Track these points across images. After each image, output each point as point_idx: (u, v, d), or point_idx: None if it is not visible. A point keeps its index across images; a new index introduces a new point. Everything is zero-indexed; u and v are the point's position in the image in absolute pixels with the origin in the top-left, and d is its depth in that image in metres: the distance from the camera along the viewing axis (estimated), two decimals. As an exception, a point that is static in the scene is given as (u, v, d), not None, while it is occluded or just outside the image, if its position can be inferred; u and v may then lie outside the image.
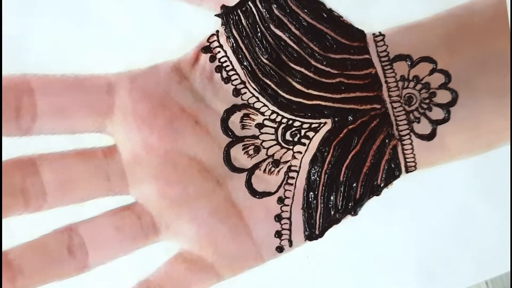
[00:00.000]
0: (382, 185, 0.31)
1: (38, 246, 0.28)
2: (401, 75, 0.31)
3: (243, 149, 0.30)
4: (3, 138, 0.27)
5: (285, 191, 0.30)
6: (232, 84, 0.30)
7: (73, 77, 0.28)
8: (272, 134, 0.30)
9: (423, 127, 0.31)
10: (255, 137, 0.30)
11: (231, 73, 0.29)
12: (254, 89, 0.30)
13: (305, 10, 0.29)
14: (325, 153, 0.30)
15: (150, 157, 0.29)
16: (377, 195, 0.31)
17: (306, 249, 0.31)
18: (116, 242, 0.29)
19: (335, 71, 0.30)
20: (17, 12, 0.27)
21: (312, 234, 0.31)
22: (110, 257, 0.29)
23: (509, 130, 0.31)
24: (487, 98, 0.31)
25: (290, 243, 0.31)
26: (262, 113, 0.30)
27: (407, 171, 0.31)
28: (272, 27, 0.29)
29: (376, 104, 0.31)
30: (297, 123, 0.30)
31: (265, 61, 0.29)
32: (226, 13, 0.29)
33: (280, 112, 0.30)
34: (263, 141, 0.30)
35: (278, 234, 0.30)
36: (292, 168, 0.31)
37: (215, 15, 0.29)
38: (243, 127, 0.30)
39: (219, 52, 0.29)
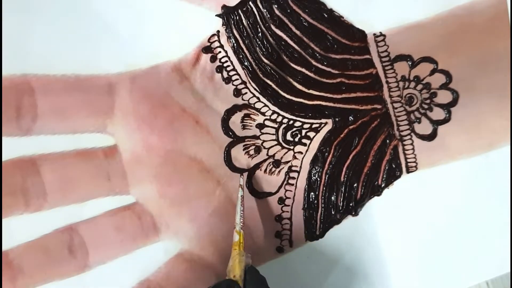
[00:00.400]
0: (383, 185, 0.31)
1: (39, 246, 0.28)
2: (402, 75, 0.31)
3: (243, 149, 0.30)
4: (4, 138, 0.27)
5: (285, 192, 0.30)
6: (233, 84, 0.30)
7: (73, 77, 0.28)
8: (273, 134, 0.30)
9: (424, 127, 0.31)
10: (256, 137, 0.30)
11: (232, 73, 0.29)
12: (255, 89, 0.30)
13: (306, 10, 0.29)
14: (326, 153, 0.30)
15: (150, 157, 0.29)
16: (378, 195, 0.31)
17: (306, 249, 0.31)
18: (117, 242, 0.29)
19: (336, 71, 0.30)
20: (17, 12, 0.27)
21: (313, 234, 0.31)
22: (110, 257, 0.29)
23: (509, 130, 0.31)
24: (487, 98, 0.31)
25: (291, 244, 0.31)
26: (263, 113, 0.30)
27: (408, 171, 0.31)
28: (273, 27, 0.29)
29: (377, 104, 0.31)
30: (298, 123, 0.30)
31: (266, 61, 0.29)
32: (227, 13, 0.29)
33: (281, 112, 0.30)
34: (264, 141, 0.30)
35: (279, 235, 0.30)
36: (293, 168, 0.31)
37: (216, 15, 0.29)
38: (244, 127, 0.30)
39: (220, 52, 0.29)
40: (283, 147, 0.30)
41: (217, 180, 0.30)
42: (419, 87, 0.31)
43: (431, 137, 0.31)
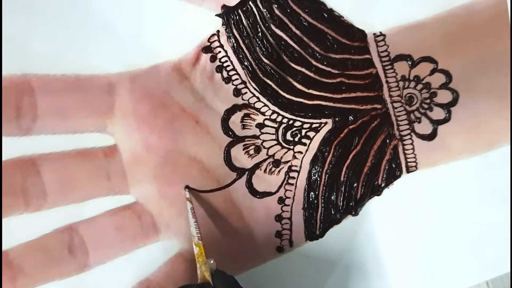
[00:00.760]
0: (383, 185, 0.31)
1: (39, 246, 0.28)
2: (402, 75, 0.31)
3: (243, 149, 0.30)
4: (4, 138, 0.27)
5: (285, 191, 0.30)
6: (233, 84, 0.30)
7: (73, 77, 0.28)
8: (273, 134, 0.30)
9: (424, 127, 0.31)
10: (255, 137, 0.30)
11: (231, 73, 0.29)
12: (255, 89, 0.30)
13: (306, 10, 0.29)
14: (326, 153, 0.30)
15: (150, 157, 0.29)
16: (378, 195, 0.31)
17: (306, 249, 0.31)
18: (116, 241, 0.29)
19: (335, 71, 0.30)
20: (17, 12, 0.27)
21: (313, 234, 0.31)
22: (110, 257, 0.29)
23: (509, 130, 0.31)
24: (487, 98, 0.31)
25: (291, 243, 0.31)
26: (263, 113, 0.30)
27: (408, 171, 0.31)
28: (272, 27, 0.29)
29: (377, 104, 0.31)
30: (297, 123, 0.30)
31: (265, 61, 0.29)
32: (226, 13, 0.29)
33: (281, 112, 0.30)
34: (264, 141, 0.30)
35: (279, 234, 0.30)
36: (293, 168, 0.31)
37: (215, 15, 0.29)
38: (244, 127, 0.30)
39: (219, 52, 0.29)
40: (283, 147, 0.30)
41: (217, 180, 0.30)
42: (419, 86, 0.31)
43: (431, 137, 0.31)
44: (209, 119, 0.30)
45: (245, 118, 0.30)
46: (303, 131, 0.30)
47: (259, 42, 0.29)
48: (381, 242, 0.31)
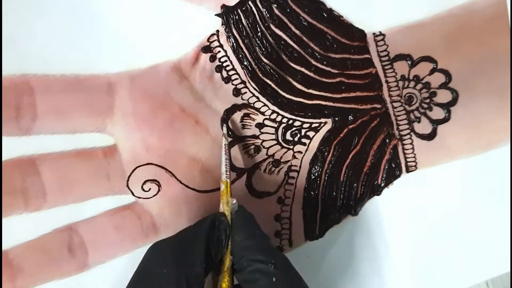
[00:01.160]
0: (382, 184, 0.31)
1: (38, 246, 0.28)
2: (401, 75, 0.31)
3: (243, 149, 0.30)
4: (3, 138, 0.27)
5: (285, 191, 0.30)
6: (232, 84, 0.30)
7: (73, 77, 0.28)
8: (273, 134, 0.30)
9: (424, 126, 0.31)
10: (255, 136, 0.30)
11: (231, 72, 0.29)
12: (255, 88, 0.30)
13: (306, 10, 0.29)
14: (326, 153, 0.30)
15: (150, 156, 0.29)
16: (378, 194, 0.31)
17: (306, 249, 0.31)
18: (116, 241, 0.29)
19: (335, 70, 0.30)
20: (17, 12, 0.27)
21: (312, 233, 0.31)
22: (110, 256, 0.29)
23: (509, 129, 0.31)
24: (487, 98, 0.31)
25: (290, 243, 0.31)
26: (263, 113, 0.30)
27: (407, 171, 0.31)
28: (272, 26, 0.29)
29: (376, 104, 0.31)
30: (297, 123, 0.30)
31: (265, 60, 0.29)
32: (226, 13, 0.29)
33: (281, 112, 0.30)
34: (264, 140, 0.30)
35: (278, 234, 0.30)
36: (293, 168, 0.31)
37: (215, 15, 0.29)
38: (244, 126, 0.30)
39: (219, 51, 0.29)
40: (282, 147, 0.30)
41: (217, 179, 0.30)
42: (419, 86, 0.31)
43: (430, 136, 0.31)
44: (209, 119, 0.30)
45: (245, 117, 0.30)
46: (303, 131, 0.30)
47: (258, 41, 0.29)
48: (381, 242, 0.31)
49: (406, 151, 0.31)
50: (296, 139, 0.30)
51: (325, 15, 0.29)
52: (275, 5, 0.29)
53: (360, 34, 0.30)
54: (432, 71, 0.31)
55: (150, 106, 0.29)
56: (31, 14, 0.28)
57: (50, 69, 0.28)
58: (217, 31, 0.29)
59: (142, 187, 0.29)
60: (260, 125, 0.30)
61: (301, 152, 0.30)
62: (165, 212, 0.29)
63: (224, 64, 0.29)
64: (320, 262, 0.31)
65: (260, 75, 0.29)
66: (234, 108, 0.30)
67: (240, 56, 0.29)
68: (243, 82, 0.30)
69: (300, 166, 0.30)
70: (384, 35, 0.30)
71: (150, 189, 0.29)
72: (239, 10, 0.29)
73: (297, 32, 0.29)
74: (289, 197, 0.30)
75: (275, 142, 0.30)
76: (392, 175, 0.31)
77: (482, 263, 0.32)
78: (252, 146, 0.30)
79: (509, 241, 0.32)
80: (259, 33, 0.29)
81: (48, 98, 0.28)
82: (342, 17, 0.30)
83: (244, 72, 0.29)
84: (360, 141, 0.31)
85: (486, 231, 0.32)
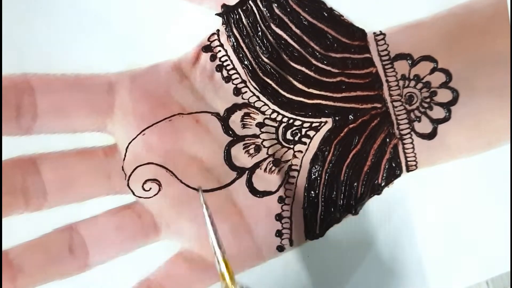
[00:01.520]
0: (383, 184, 0.31)
1: (39, 245, 0.28)
2: (402, 74, 0.31)
3: (243, 148, 0.30)
4: (4, 137, 0.27)
5: (285, 190, 0.30)
6: (233, 83, 0.30)
7: (73, 76, 0.28)
8: (273, 133, 0.30)
9: (424, 126, 0.31)
10: (255, 136, 0.30)
11: (231, 72, 0.29)
12: (255, 88, 0.30)
13: (306, 9, 0.29)
14: (326, 152, 0.30)
15: (150, 156, 0.29)
16: (378, 194, 0.31)
17: (306, 248, 0.31)
18: (117, 241, 0.29)
19: (335, 70, 0.30)
20: (17, 12, 0.27)
21: (313, 233, 0.31)
22: (110, 256, 0.29)
23: (509, 129, 0.31)
24: (487, 97, 0.31)
25: (291, 242, 0.31)
26: (263, 112, 0.30)
27: (408, 170, 0.31)
28: (272, 26, 0.29)
29: (376, 103, 0.31)
30: (297, 122, 0.30)
31: (265, 60, 0.29)
32: (226, 12, 0.29)
33: (281, 111, 0.30)
34: (264, 140, 0.30)
35: (279, 233, 0.30)
36: (293, 167, 0.31)
37: (215, 14, 0.29)
38: (244, 126, 0.30)
39: (219, 51, 0.29)
40: (283, 146, 0.30)
41: (217, 179, 0.30)
42: (419, 86, 0.31)
43: (431, 136, 0.31)
44: (209, 119, 0.30)
45: (245, 117, 0.30)
46: (303, 130, 0.30)
47: (259, 41, 0.29)
48: (381, 241, 0.31)
49: (406, 151, 0.31)
50: (296, 138, 0.30)
51: (326, 15, 0.29)
52: (276, 5, 0.29)
53: (360, 34, 0.30)
54: (432, 71, 0.31)
55: (150, 105, 0.29)
56: (31, 14, 0.28)
57: (51, 68, 0.28)
58: (218, 30, 0.29)
59: (142, 186, 0.29)
60: (260, 125, 0.30)
61: (301, 152, 0.30)
62: (165, 212, 0.29)
63: (225, 64, 0.29)
64: (321, 262, 0.31)
65: (261, 74, 0.29)
66: (235, 107, 0.30)
67: (241, 55, 0.29)
68: (243, 81, 0.30)
69: (300, 166, 0.31)
70: (384, 34, 0.30)
71: (150, 188, 0.29)
72: (239, 10, 0.29)
73: (297, 31, 0.29)
74: (290, 197, 0.30)
75: (275, 141, 0.30)
76: (393, 174, 0.31)
77: (482, 263, 0.32)
78: (253, 146, 0.30)
79: (509, 241, 0.32)
80: (260, 33, 0.29)
81: (49, 97, 0.28)
82: (343, 16, 0.30)
83: (244, 71, 0.29)
84: (360, 140, 0.31)
85: (486, 231, 0.32)
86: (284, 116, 0.30)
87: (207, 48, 0.29)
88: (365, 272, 0.31)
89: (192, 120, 0.29)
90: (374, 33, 0.30)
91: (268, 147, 0.30)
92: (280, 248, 0.31)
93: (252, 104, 0.30)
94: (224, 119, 0.30)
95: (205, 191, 0.29)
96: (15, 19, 0.28)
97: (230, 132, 0.30)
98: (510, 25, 0.30)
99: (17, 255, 0.28)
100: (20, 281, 0.28)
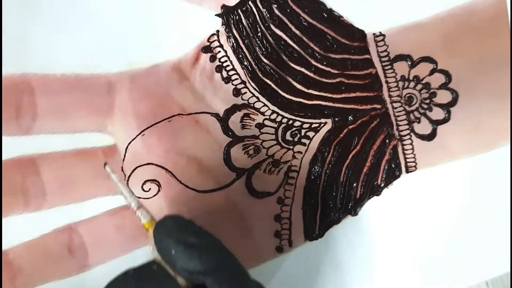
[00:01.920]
0: (382, 185, 0.31)
1: (38, 246, 0.28)
2: (401, 75, 0.31)
3: (243, 149, 0.30)
4: (3, 138, 0.27)
5: (285, 191, 0.30)
6: (233, 84, 0.30)
7: (73, 76, 0.28)
8: (272, 134, 0.30)
9: (424, 127, 0.31)
10: (255, 137, 0.30)
11: (231, 72, 0.29)
12: (255, 89, 0.30)
13: (306, 10, 0.29)
14: (326, 153, 0.30)
15: (150, 156, 0.29)
16: (377, 195, 0.31)
17: (305, 249, 0.31)
18: (116, 241, 0.29)
19: (335, 71, 0.30)
20: (17, 12, 0.27)
21: (312, 234, 0.31)
22: (110, 257, 0.29)
23: (509, 130, 0.31)
24: (487, 98, 0.31)
25: (290, 243, 0.31)
26: (262, 113, 0.30)
27: (407, 171, 0.31)
28: (272, 27, 0.29)
29: (376, 104, 0.31)
30: (297, 123, 0.30)
31: (265, 61, 0.29)
32: (226, 13, 0.29)
33: (281, 112, 0.30)
34: (263, 141, 0.30)
35: (278, 234, 0.30)
36: (292, 168, 0.31)
37: (215, 15, 0.29)
38: (243, 127, 0.30)
39: (219, 51, 0.29)
40: (282, 147, 0.30)
41: (217, 180, 0.30)
42: (419, 87, 0.31)
43: (430, 137, 0.31)
44: (209, 119, 0.30)
45: (245, 118, 0.30)
46: (303, 131, 0.30)
47: (258, 42, 0.29)
48: (381, 242, 0.31)
49: (406, 152, 0.31)
50: (296, 139, 0.30)
51: (325, 16, 0.29)
52: (275, 5, 0.29)
53: (360, 35, 0.30)
54: (432, 72, 0.31)
55: (150, 105, 0.29)
56: (31, 14, 0.28)
57: (51, 68, 0.28)
58: (217, 31, 0.29)
59: (142, 187, 0.29)
60: (260, 125, 0.30)
61: (301, 152, 0.30)
62: (165, 212, 0.29)
63: (224, 64, 0.29)
64: (320, 263, 0.31)
65: (260, 75, 0.29)
66: (234, 108, 0.30)
67: (240, 56, 0.29)
68: (243, 82, 0.30)
69: (300, 166, 0.30)
70: (384, 35, 0.30)
71: (150, 189, 0.29)
72: (239, 10, 0.29)
73: (297, 32, 0.29)
74: (289, 197, 0.30)
75: (275, 142, 0.30)
76: (392, 175, 0.31)
77: (482, 263, 0.32)
78: (252, 146, 0.30)
79: (509, 241, 0.32)
80: (259, 33, 0.29)
81: (49, 98, 0.28)
82: (342, 17, 0.30)
83: (244, 72, 0.29)
84: (360, 141, 0.31)
85: (486, 231, 0.32)
86: (283, 117, 0.30)
87: (206, 49, 0.29)
88: (365, 273, 0.31)
89: (192, 121, 0.29)
90: (374, 34, 0.30)
91: (268, 148, 0.30)
92: (279, 249, 0.31)
93: (252, 104, 0.30)
94: (223, 119, 0.30)
95: (205, 191, 0.29)
96: (15, 19, 0.28)
97: (230, 133, 0.30)
98: (510, 26, 0.30)
99: (17, 255, 0.28)
100: (20, 281, 0.28)
